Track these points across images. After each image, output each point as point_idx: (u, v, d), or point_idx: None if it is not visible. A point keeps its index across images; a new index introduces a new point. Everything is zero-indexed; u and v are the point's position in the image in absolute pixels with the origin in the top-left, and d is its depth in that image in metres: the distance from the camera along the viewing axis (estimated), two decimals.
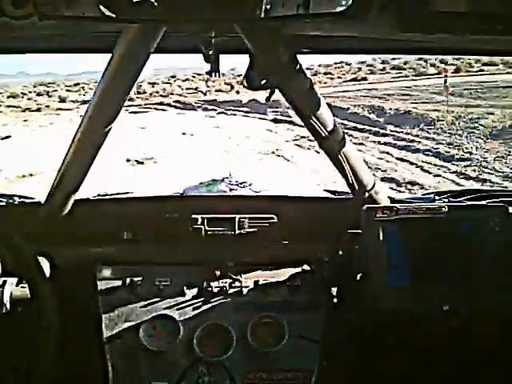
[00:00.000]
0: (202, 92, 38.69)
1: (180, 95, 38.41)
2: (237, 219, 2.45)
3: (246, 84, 1.88)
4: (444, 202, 2.48)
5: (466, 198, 2.58)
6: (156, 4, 1.58)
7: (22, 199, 2.51)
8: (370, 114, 21.87)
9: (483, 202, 2.38)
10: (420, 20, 1.68)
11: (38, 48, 2.12)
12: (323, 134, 2.14)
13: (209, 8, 1.59)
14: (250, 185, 2.65)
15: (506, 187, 9.21)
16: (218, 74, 1.87)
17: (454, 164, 13.72)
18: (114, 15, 1.58)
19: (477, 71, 33.43)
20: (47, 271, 2.26)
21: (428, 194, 2.85)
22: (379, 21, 1.70)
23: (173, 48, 2.08)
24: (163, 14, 1.60)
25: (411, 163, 14.39)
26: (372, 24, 1.74)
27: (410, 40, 1.87)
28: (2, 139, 21.86)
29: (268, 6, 1.60)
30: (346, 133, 2.25)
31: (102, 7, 1.55)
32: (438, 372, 2.56)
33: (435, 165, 13.99)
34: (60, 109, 33.47)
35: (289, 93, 2.01)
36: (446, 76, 24.33)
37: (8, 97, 40.92)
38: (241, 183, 2.65)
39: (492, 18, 1.64)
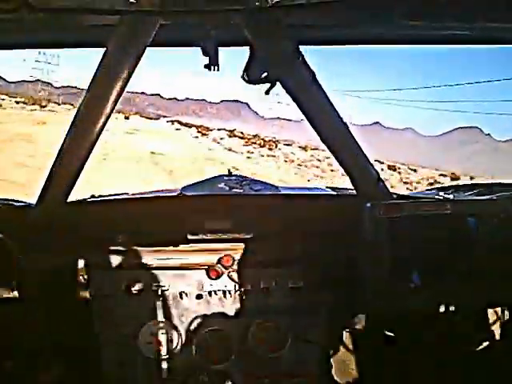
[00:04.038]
0: None
1: None
2: (236, 219, 2.34)
3: (245, 78, 1.81)
4: (449, 197, 2.40)
5: (470, 192, 2.48)
6: None
7: (11, 202, 2.38)
8: None
9: (489, 197, 2.28)
10: (429, 7, 1.63)
11: (28, 43, 2.03)
12: (326, 129, 2.06)
13: None
14: (250, 183, 2.53)
15: None
16: (217, 68, 1.77)
17: None
18: (107, 7, 1.53)
19: None
20: (39, 276, 2.16)
21: (431, 189, 2.78)
22: (387, 8, 1.63)
23: (169, 41, 2.00)
24: (159, 5, 1.54)
25: None
26: (378, 13, 1.69)
27: (419, 29, 1.82)
28: None
29: None
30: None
31: None
32: (442, 373, 2.49)
33: None
34: None
35: (290, 86, 1.91)
36: None
37: None
38: (240, 181, 2.54)
39: (507, 6, 1.59)
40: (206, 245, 2.29)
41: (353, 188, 2.31)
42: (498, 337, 2.41)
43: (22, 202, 2.38)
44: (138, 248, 2.27)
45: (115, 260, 2.24)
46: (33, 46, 2.08)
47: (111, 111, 1.92)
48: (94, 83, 1.86)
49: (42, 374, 2.37)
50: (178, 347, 2.21)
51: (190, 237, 2.29)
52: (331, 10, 1.63)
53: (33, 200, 2.26)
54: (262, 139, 39.12)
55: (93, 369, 2.25)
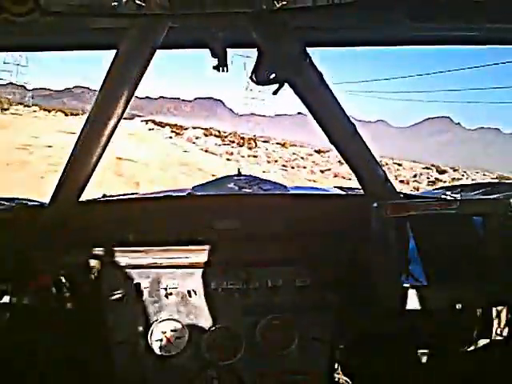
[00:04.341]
0: None
1: None
2: (245, 218, 2.37)
3: (254, 79, 1.81)
4: (456, 196, 2.40)
5: (477, 192, 2.50)
6: None
7: (25, 202, 2.42)
8: None
9: (496, 196, 2.29)
10: (433, 8, 1.64)
11: (40, 45, 2.05)
12: (333, 129, 2.08)
13: (215, 1, 1.55)
14: (259, 183, 2.56)
15: None
16: (225, 69, 1.80)
17: None
18: (118, 10, 1.55)
19: None
20: (50, 274, 2.19)
21: (438, 189, 2.79)
22: (391, 11, 1.65)
23: (179, 43, 2.02)
24: (168, 8, 1.57)
25: None
26: (383, 15, 1.69)
27: (422, 30, 1.84)
28: None
29: None
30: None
31: (105, 2, 1.50)
32: (450, 372, 2.50)
33: None
34: None
35: (298, 87, 1.94)
36: None
37: None
38: (250, 181, 2.57)
39: (508, 7, 1.62)
40: (214, 244, 2.31)
41: (360, 188, 2.32)
42: (504, 337, 2.42)
43: (35, 201, 2.43)
44: (149, 247, 2.30)
45: (126, 259, 2.27)
46: (44, 48, 2.09)
47: (123, 112, 1.96)
48: (106, 85, 1.90)
49: (49, 372, 2.38)
50: (187, 344, 2.23)
51: (199, 236, 2.32)
52: (337, 12, 1.66)
53: (46, 200, 2.30)
54: (241, 137, 37.23)
55: (103, 366, 2.27)
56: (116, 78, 1.87)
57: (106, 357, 2.24)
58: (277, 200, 2.54)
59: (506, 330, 2.40)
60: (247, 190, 2.57)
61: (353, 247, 2.26)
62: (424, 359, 2.48)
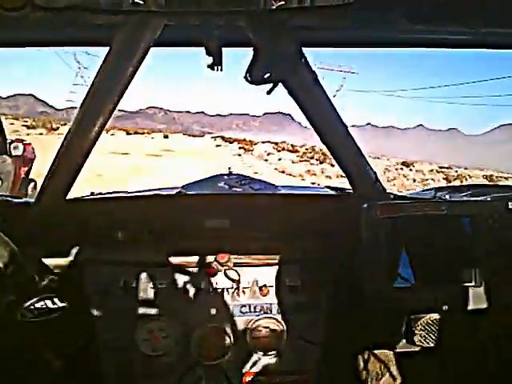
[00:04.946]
0: None
1: None
2: (235, 218, 2.35)
3: (248, 78, 1.82)
4: (445, 198, 2.40)
5: (466, 193, 2.49)
6: None
7: (10, 199, 2.35)
8: None
9: (484, 198, 2.27)
10: (431, 11, 1.63)
11: (32, 41, 2.01)
12: (325, 129, 2.08)
13: None
14: (249, 182, 2.56)
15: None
16: (220, 68, 1.79)
17: None
18: (112, 6, 1.54)
19: None
20: (37, 273, 2.12)
21: (428, 190, 2.77)
22: (388, 12, 1.65)
23: (173, 41, 1.99)
24: (164, 5, 1.55)
25: None
26: (380, 15, 1.69)
27: (420, 32, 1.82)
28: None
29: None
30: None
31: None
32: (438, 372, 2.51)
33: None
34: None
35: (293, 87, 1.94)
36: None
37: None
38: (240, 180, 2.57)
39: (509, 11, 1.59)
40: (204, 243, 2.29)
41: (351, 188, 2.33)
42: (492, 337, 2.42)
43: (21, 198, 2.38)
44: (137, 245, 2.27)
45: (114, 257, 2.25)
46: (37, 44, 2.05)
47: (113, 109, 1.94)
48: (97, 81, 1.87)
49: (40, 370, 2.39)
50: (175, 343, 2.23)
51: (188, 235, 2.30)
52: (334, 12, 1.65)
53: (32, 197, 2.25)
54: (322, 153, 31.68)
55: (90, 364, 2.27)
56: (108, 75, 1.85)
57: (91, 356, 2.23)
58: (267, 200, 2.53)
59: (494, 331, 2.41)
60: (237, 189, 2.57)
61: (343, 248, 2.24)
62: (415, 360, 2.48)
